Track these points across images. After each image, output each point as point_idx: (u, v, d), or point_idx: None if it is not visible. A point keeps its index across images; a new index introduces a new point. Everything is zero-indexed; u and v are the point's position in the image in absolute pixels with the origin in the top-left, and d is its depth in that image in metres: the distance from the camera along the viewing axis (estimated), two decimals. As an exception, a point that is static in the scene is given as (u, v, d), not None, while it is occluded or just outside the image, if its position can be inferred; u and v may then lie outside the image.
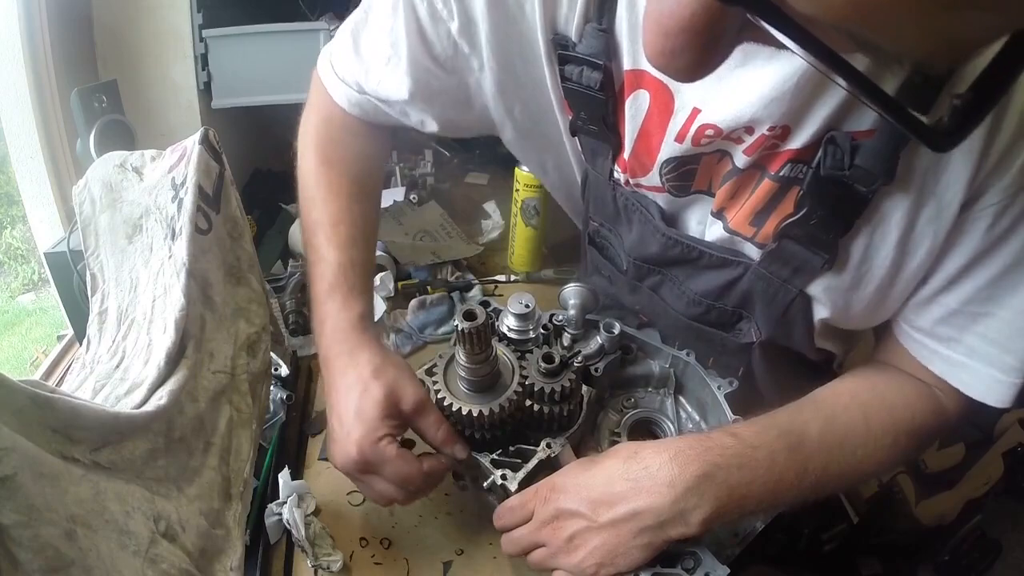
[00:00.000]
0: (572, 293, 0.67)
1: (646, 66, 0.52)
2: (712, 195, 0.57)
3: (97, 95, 0.82)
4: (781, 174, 0.50)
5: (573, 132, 0.62)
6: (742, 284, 0.58)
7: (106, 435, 0.42)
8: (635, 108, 0.54)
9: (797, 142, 0.48)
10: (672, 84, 0.51)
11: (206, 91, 1.10)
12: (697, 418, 0.68)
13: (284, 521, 0.64)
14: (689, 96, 0.51)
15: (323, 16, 1.15)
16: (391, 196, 1.41)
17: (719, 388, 0.64)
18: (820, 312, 0.56)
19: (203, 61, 1.07)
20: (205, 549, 0.49)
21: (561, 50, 0.54)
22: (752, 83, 0.46)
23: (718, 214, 0.57)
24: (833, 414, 0.55)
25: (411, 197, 1.41)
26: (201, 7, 1.04)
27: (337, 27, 1.11)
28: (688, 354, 0.67)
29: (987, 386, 0.52)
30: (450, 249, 1.16)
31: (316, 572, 0.62)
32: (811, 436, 0.53)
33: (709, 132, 0.50)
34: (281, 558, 0.64)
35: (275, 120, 1.62)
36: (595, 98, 0.55)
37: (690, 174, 0.56)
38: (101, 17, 1.02)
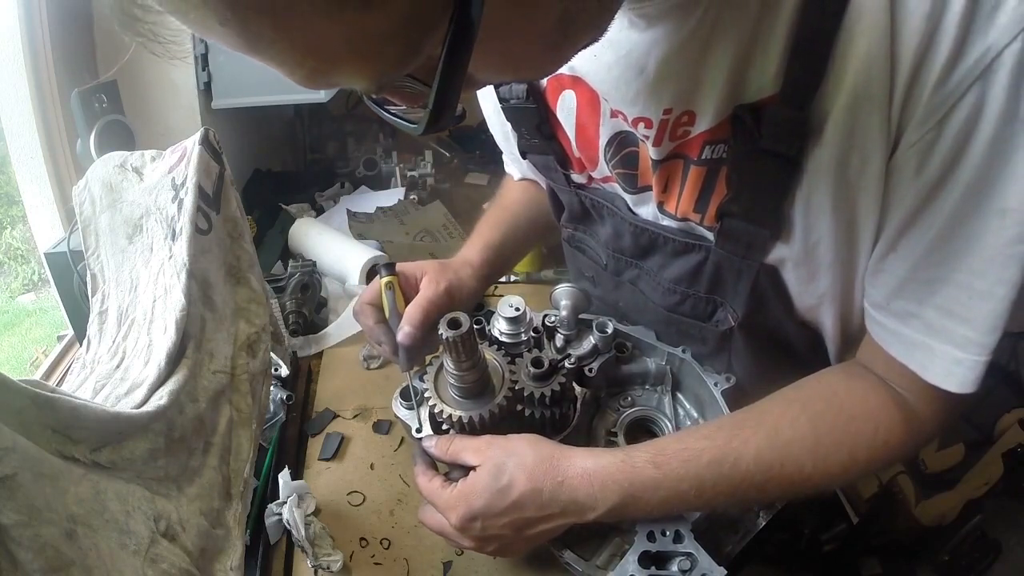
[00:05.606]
0: (563, 294, 0.66)
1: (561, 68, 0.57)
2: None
3: (97, 95, 0.82)
4: (703, 158, 0.51)
5: (523, 154, 0.69)
6: (708, 266, 0.58)
7: (106, 435, 0.42)
8: (566, 108, 0.60)
9: (704, 123, 0.49)
10: (583, 75, 0.55)
11: (206, 91, 1.10)
12: (696, 415, 0.67)
13: (284, 521, 0.64)
14: (597, 86, 0.54)
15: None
16: (393, 196, 1.41)
17: (715, 385, 0.63)
18: (790, 282, 0.55)
19: (203, 61, 1.07)
20: (205, 549, 0.49)
21: None
22: (633, 71, 0.49)
23: (660, 207, 0.58)
24: (777, 429, 0.53)
25: (411, 197, 1.41)
26: (201, 7, 1.04)
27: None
28: (684, 351, 0.67)
29: (945, 368, 0.47)
30: (450, 250, 1.15)
31: (316, 572, 0.62)
32: (747, 457, 0.52)
33: (619, 114, 0.54)
34: (281, 558, 0.64)
35: (275, 120, 1.63)
36: (527, 109, 0.62)
37: (632, 159, 0.58)
38: (101, 17, 1.02)
